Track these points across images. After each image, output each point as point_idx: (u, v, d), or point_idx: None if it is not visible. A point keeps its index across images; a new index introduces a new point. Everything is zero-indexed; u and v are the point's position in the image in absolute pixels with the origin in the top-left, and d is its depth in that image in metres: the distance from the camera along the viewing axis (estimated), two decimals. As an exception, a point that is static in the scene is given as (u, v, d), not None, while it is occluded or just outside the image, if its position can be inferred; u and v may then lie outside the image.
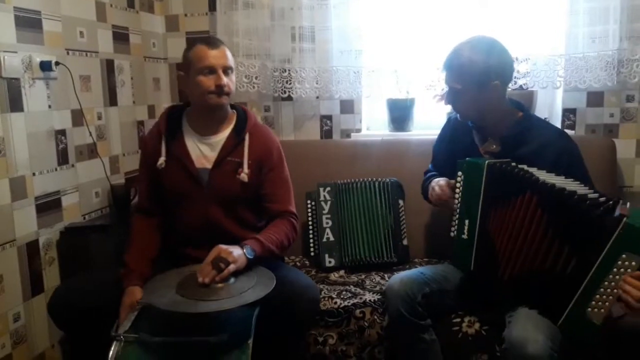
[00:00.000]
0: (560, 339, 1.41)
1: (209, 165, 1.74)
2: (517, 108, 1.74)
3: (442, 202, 1.71)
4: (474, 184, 1.59)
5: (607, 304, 1.32)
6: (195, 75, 1.67)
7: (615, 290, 1.31)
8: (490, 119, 1.70)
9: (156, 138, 1.79)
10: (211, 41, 1.71)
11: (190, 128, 1.77)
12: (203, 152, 1.75)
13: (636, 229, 1.28)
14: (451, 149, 1.81)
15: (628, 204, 1.35)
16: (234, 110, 1.81)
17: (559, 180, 1.46)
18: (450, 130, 1.88)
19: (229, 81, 1.69)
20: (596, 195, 1.40)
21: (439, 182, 1.73)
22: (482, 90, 1.63)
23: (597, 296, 1.34)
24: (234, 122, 1.78)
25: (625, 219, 1.30)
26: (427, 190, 1.81)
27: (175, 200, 1.77)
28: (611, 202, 1.35)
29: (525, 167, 1.53)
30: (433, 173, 1.90)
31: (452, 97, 1.70)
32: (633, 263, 1.28)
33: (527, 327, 1.42)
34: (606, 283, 1.32)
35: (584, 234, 1.37)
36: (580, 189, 1.43)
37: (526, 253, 1.48)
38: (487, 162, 1.57)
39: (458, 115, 1.77)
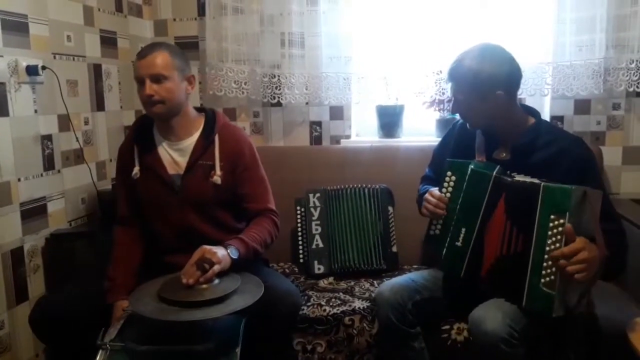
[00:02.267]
0: (525, 323, 1.44)
1: (181, 171, 1.73)
2: (529, 114, 1.69)
3: (434, 215, 1.68)
4: (478, 194, 1.58)
5: (554, 269, 1.38)
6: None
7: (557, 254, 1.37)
8: (500, 127, 1.66)
9: (129, 148, 1.78)
10: (142, 51, 1.67)
11: (160, 135, 1.76)
12: (174, 158, 1.74)
13: (552, 187, 1.40)
14: (452, 153, 1.77)
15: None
16: (202, 113, 1.80)
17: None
18: (454, 136, 1.83)
19: (160, 88, 1.63)
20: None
21: (433, 196, 1.68)
22: (485, 101, 1.59)
23: (545, 264, 1.40)
24: (202, 125, 1.77)
25: (543, 183, 1.42)
26: (421, 205, 1.77)
27: (153, 208, 1.76)
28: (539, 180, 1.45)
29: (518, 176, 1.53)
30: (428, 187, 1.83)
31: (457, 107, 1.67)
32: (562, 221, 1.37)
33: (488, 308, 1.48)
34: (547, 249, 1.39)
35: (525, 212, 1.45)
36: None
37: (498, 249, 1.52)
38: (494, 175, 1.56)
39: (468, 124, 1.72)
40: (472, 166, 1.62)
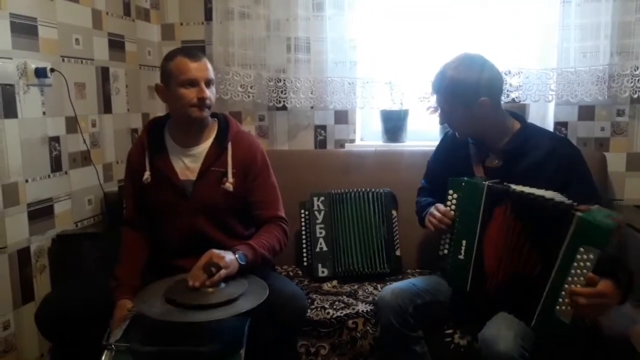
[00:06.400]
0: (534, 339, 1.44)
1: (193, 177, 1.73)
2: (515, 118, 1.72)
3: (438, 229, 1.69)
4: (473, 205, 1.58)
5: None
6: (177, 88, 1.66)
7: (579, 286, 1.33)
8: (488, 134, 1.69)
9: (140, 152, 1.78)
10: (192, 53, 1.69)
11: (173, 140, 1.77)
12: (186, 164, 1.75)
13: (589, 222, 1.33)
14: (447, 164, 1.80)
15: (596, 206, 1.39)
16: (215, 119, 1.81)
17: (539, 192, 1.48)
18: (447, 146, 1.87)
19: (210, 94, 1.69)
20: (563, 198, 1.43)
21: (438, 210, 1.69)
22: (471, 109, 1.62)
23: (563, 293, 1.36)
24: (215, 132, 1.78)
25: (578, 213, 1.35)
26: (423, 217, 1.79)
27: (162, 213, 1.77)
28: (575, 203, 1.40)
29: (513, 185, 1.53)
30: (428, 200, 1.85)
31: (444, 117, 1.71)
32: (591, 256, 1.31)
33: (499, 327, 1.46)
34: (569, 279, 1.35)
35: (547, 235, 1.41)
36: (549, 194, 1.46)
37: (505, 262, 1.51)
38: (487, 184, 1.56)
39: (456, 133, 1.76)
40: (466, 178, 1.63)
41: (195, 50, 1.74)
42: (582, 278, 1.32)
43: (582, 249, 1.33)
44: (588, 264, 1.32)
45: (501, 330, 1.44)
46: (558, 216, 1.38)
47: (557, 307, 1.37)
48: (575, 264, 1.34)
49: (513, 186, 1.53)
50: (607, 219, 1.31)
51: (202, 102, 1.66)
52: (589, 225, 1.32)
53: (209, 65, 1.71)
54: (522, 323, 1.45)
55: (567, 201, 1.42)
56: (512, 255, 1.49)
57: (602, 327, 1.57)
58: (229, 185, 1.72)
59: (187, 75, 1.65)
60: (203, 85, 1.66)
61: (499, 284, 1.53)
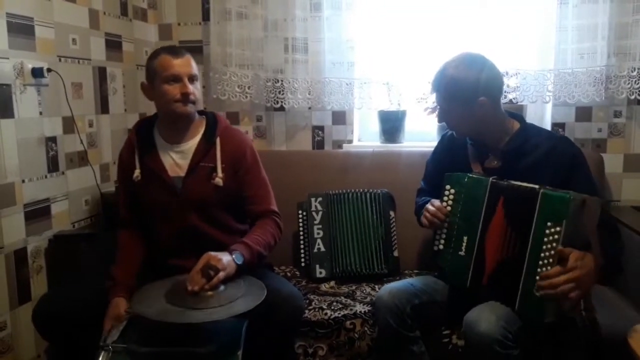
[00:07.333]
0: (520, 325, 1.45)
1: (182, 173, 1.74)
2: (514, 119, 1.72)
3: (432, 224, 1.70)
4: (476, 201, 1.59)
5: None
6: (161, 84, 1.68)
7: (552, 260, 1.38)
8: (487, 135, 1.69)
9: (130, 151, 1.79)
10: (175, 50, 1.71)
11: (161, 138, 1.78)
12: (176, 160, 1.75)
13: (549, 195, 1.41)
14: (445, 165, 1.80)
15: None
16: (204, 116, 1.82)
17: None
18: (445, 147, 1.87)
19: (195, 89, 1.70)
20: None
21: (432, 205, 1.70)
22: (470, 108, 1.62)
23: (539, 270, 1.41)
24: (203, 128, 1.78)
25: (542, 190, 1.42)
26: (420, 215, 1.79)
27: (154, 211, 1.77)
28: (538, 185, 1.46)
29: (516, 182, 1.55)
30: (426, 199, 1.85)
31: (443, 116, 1.71)
32: (557, 229, 1.38)
33: (483, 310, 1.49)
34: (542, 255, 1.40)
35: (523, 217, 1.46)
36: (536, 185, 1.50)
37: (498, 253, 1.53)
38: (490, 179, 1.58)
39: (454, 132, 1.76)
40: (469, 174, 1.64)
41: (179, 47, 1.75)
42: (553, 252, 1.38)
43: (549, 224, 1.40)
44: (556, 236, 1.38)
45: (484, 312, 1.47)
46: (528, 197, 1.45)
47: (536, 285, 1.40)
48: (545, 239, 1.40)
49: (514, 182, 1.55)
50: (567, 192, 1.39)
51: (185, 97, 1.67)
52: (550, 198, 1.41)
53: (193, 62, 1.72)
54: (508, 308, 1.48)
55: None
56: (502, 245, 1.52)
57: (601, 328, 1.57)
58: (218, 180, 1.72)
59: (170, 71, 1.66)
60: (186, 81, 1.67)
61: (490, 274, 1.55)
